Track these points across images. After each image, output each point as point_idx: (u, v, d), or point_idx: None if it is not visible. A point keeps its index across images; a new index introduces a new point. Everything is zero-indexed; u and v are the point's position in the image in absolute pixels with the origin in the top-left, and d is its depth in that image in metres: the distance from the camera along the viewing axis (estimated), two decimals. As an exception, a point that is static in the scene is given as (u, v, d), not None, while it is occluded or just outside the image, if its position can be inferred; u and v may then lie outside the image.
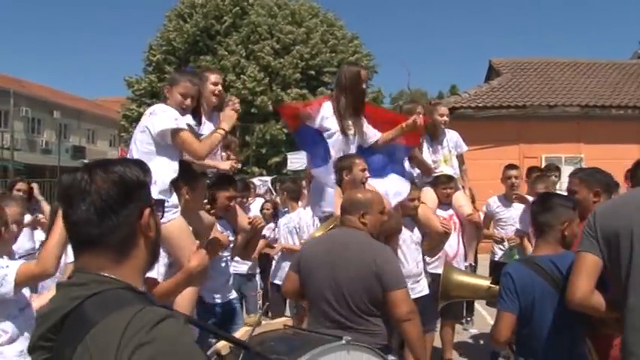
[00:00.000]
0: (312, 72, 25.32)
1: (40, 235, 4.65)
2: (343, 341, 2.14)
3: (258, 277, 6.01)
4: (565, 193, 3.08)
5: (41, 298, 2.80)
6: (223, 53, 24.73)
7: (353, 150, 3.92)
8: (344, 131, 3.87)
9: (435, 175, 4.90)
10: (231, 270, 4.20)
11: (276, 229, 6.01)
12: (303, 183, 5.92)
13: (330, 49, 25.84)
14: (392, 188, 3.86)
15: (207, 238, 3.41)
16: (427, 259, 4.54)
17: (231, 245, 3.88)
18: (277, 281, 5.51)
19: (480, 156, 11.63)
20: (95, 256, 1.18)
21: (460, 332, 6.06)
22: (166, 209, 2.70)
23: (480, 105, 13.69)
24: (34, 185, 5.77)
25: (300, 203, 5.88)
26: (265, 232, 5.31)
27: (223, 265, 3.88)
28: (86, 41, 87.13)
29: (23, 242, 4.13)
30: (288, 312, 5.64)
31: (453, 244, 4.88)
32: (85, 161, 6.20)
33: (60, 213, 2.30)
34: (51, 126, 30.25)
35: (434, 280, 4.38)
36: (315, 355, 2.02)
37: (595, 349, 2.50)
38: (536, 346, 2.45)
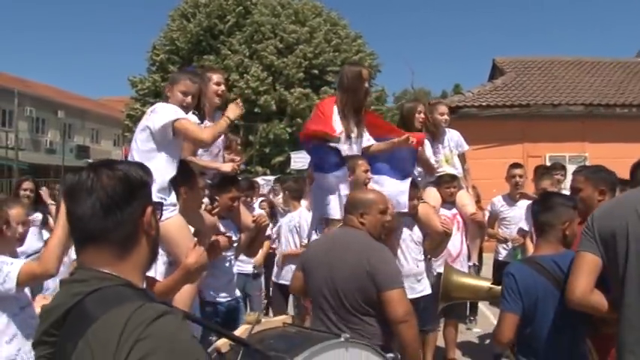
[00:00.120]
0: (316, 71, 25.33)
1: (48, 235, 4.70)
2: (342, 339, 2.15)
3: (262, 277, 6.02)
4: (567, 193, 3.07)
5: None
6: (226, 53, 24.77)
7: (356, 151, 3.91)
8: (347, 133, 3.86)
9: (438, 174, 4.89)
10: (236, 269, 4.21)
11: (274, 229, 6.02)
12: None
13: (333, 48, 25.84)
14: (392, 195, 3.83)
15: (209, 238, 3.42)
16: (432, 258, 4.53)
17: (235, 244, 3.89)
18: (282, 281, 5.53)
19: (484, 155, 11.62)
20: (98, 251, 1.21)
21: (463, 332, 6.05)
22: (165, 207, 2.71)
23: (484, 104, 13.66)
24: (43, 190, 5.81)
25: (302, 202, 5.88)
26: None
27: (227, 264, 3.89)
28: (90, 41, 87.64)
29: (32, 242, 4.15)
30: (290, 311, 5.65)
31: (457, 244, 4.87)
32: (89, 161, 6.21)
33: (62, 213, 2.33)
34: (55, 126, 30.36)
35: (439, 279, 4.37)
36: (314, 352, 2.03)
37: (595, 349, 2.50)
38: (537, 346, 2.45)
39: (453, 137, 5.09)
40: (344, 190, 3.69)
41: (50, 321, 1.17)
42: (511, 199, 5.63)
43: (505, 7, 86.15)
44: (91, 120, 34.18)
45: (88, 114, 33.78)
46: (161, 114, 2.95)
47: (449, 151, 5.01)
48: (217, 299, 3.81)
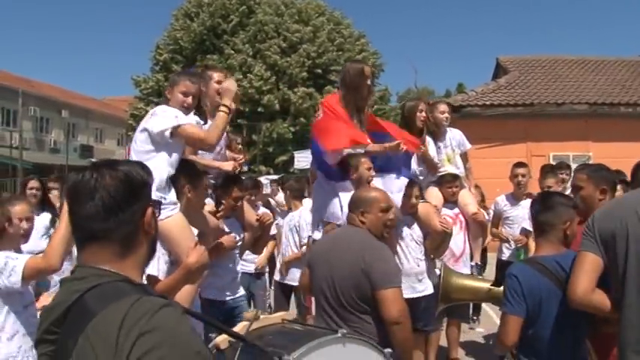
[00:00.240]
0: (319, 70, 25.35)
1: None
2: (339, 334, 2.15)
3: (266, 276, 6.03)
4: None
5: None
6: (230, 52, 24.81)
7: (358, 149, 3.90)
8: None
9: (440, 173, 4.87)
10: (240, 268, 4.20)
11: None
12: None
13: (336, 47, 25.85)
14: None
15: (213, 239, 3.42)
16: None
17: (239, 243, 3.88)
18: (284, 281, 5.53)
19: (488, 154, 11.59)
20: (99, 250, 1.23)
21: (466, 331, 6.04)
22: (164, 206, 2.72)
23: (488, 103, 13.62)
24: (53, 194, 5.81)
25: (305, 202, 5.87)
26: None
27: (231, 264, 3.89)
28: (94, 41, 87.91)
29: (41, 241, 4.17)
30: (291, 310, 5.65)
31: (460, 244, 4.86)
32: (93, 160, 6.22)
33: (65, 210, 2.34)
34: (59, 125, 30.46)
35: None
36: (312, 347, 2.03)
37: (594, 350, 2.49)
38: (539, 347, 2.43)
39: (455, 136, 5.06)
40: (346, 198, 3.69)
41: (51, 319, 1.19)
42: (514, 198, 5.61)
43: (509, 6, 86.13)
44: (95, 119, 34.28)
45: (91, 113, 33.88)
46: (160, 118, 2.92)
47: (451, 150, 4.99)
48: (221, 298, 3.80)
